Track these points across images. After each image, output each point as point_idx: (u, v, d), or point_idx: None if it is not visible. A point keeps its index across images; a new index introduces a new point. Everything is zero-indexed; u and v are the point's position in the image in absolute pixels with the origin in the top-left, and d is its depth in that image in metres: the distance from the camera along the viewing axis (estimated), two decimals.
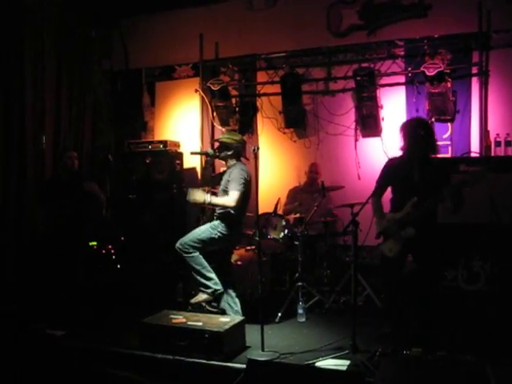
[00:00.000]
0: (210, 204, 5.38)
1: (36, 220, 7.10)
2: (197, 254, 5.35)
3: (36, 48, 7.29)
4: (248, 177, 5.48)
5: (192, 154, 6.06)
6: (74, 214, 6.56)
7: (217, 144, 5.79)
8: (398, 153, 4.92)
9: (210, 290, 5.36)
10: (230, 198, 5.30)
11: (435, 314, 4.70)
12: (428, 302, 4.70)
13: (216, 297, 5.48)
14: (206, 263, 5.38)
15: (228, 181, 5.42)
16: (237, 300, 5.59)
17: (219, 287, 5.40)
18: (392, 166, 4.93)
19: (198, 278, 5.36)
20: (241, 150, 5.68)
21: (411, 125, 4.84)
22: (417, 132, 4.69)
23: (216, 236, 5.39)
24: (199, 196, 5.35)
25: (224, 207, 5.39)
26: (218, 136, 6.41)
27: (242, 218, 5.59)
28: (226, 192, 5.41)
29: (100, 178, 7.64)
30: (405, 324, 4.81)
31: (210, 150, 5.88)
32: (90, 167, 8.16)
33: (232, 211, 5.36)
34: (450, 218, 4.87)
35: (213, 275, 5.39)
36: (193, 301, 5.32)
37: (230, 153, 5.56)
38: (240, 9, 7.97)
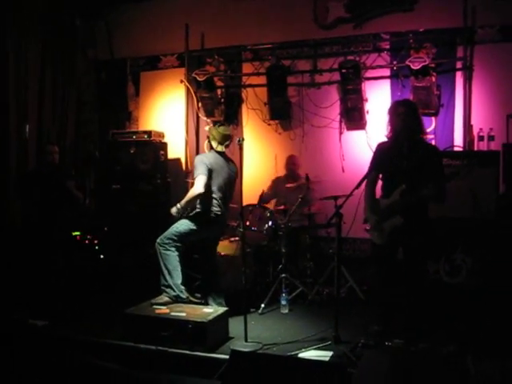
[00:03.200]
0: (182, 207, 5.37)
1: (17, 211, 7.03)
2: (174, 253, 5.31)
3: (19, 36, 7.21)
4: (210, 163, 5.43)
5: None
6: (53, 206, 6.53)
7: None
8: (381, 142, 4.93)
9: (172, 294, 5.27)
10: (195, 186, 5.31)
11: (419, 307, 4.72)
12: (414, 293, 4.71)
13: (202, 288, 5.45)
14: (179, 267, 5.33)
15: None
16: (219, 291, 5.60)
17: (183, 295, 5.32)
18: (381, 150, 4.89)
19: (167, 277, 5.28)
20: (217, 142, 5.62)
21: (394, 106, 4.85)
22: (399, 111, 4.69)
23: (194, 227, 5.39)
24: (171, 211, 5.41)
25: (195, 198, 5.36)
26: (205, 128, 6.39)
27: (218, 206, 5.53)
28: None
29: (83, 171, 7.61)
30: (393, 319, 4.81)
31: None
32: (73, 158, 8.11)
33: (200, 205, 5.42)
34: (434, 212, 4.90)
35: (180, 281, 5.31)
36: (153, 301, 5.24)
37: (209, 144, 5.72)
38: None
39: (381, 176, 4.94)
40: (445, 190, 4.55)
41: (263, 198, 6.82)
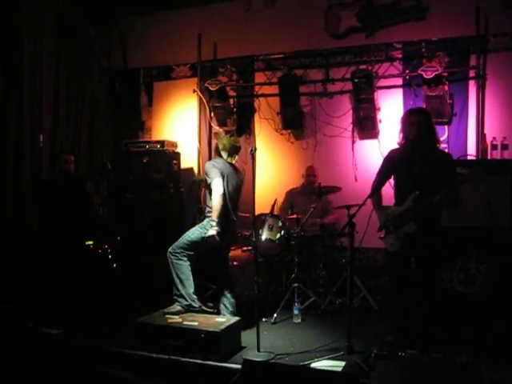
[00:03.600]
0: (218, 221, 5.23)
1: (32, 220, 7.08)
2: (186, 263, 5.31)
3: (35, 46, 7.28)
4: (221, 168, 5.42)
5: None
6: (69, 214, 6.57)
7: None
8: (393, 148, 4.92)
9: (185, 303, 5.26)
10: (214, 190, 5.26)
11: (432, 316, 4.69)
12: (427, 302, 4.68)
13: (214, 298, 5.44)
14: (191, 277, 5.32)
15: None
16: (233, 300, 5.59)
17: (196, 304, 5.32)
18: (393, 157, 4.88)
19: (179, 287, 5.28)
20: (226, 153, 5.62)
21: (407, 114, 4.85)
22: (412, 119, 4.69)
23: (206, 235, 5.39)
24: (211, 234, 5.24)
25: (220, 202, 5.26)
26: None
27: (230, 213, 5.52)
28: (209, 188, 5.40)
29: (97, 180, 7.66)
30: (407, 328, 4.78)
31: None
32: (87, 167, 8.16)
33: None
34: (447, 220, 4.88)
35: (192, 290, 5.31)
36: (166, 310, 5.23)
37: (218, 155, 5.66)
38: (239, 10, 7.98)
39: (393, 183, 4.93)
40: (459, 195, 4.52)
41: (281, 211, 6.89)
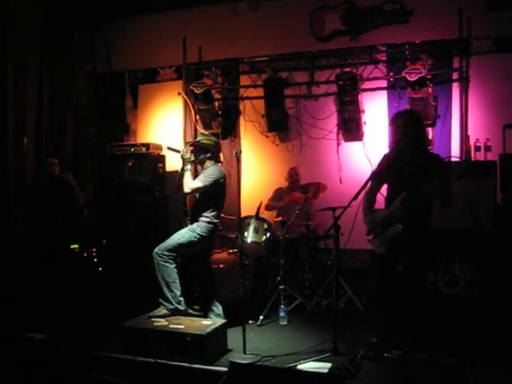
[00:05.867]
0: (183, 167, 5.42)
1: (16, 224, 7.04)
2: (173, 266, 5.28)
3: (18, 48, 7.24)
4: (221, 178, 5.47)
5: (168, 148, 5.88)
6: (55, 217, 6.54)
7: (191, 148, 5.64)
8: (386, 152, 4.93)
9: (171, 307, 5.23)
10: (191, 184, 5.33)
11: (419, 317, 4.71)
12: (412, 304, 4.70)
13: (200, 300, 5.44)
14: (177, 279, 5.29)
15: (202, 174, 5.46)
16: (218, 303, 5.59)
17: (182, 308, 5.29)
18: (387, 161, 4.86)
19: (165, 290, 5.25)
20: (218, 152, 5.68)
21: (394, 117, 4.86)
22: (398, 123, 4.71)
23: (195, 239, 5.37)
24: (186, 153, 5.44)
25: (181, 186, 5.38)
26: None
27: (217, 219, 5.57)
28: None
29: (81, 181, 7.63)
30: (392, 330, 4.80)
31: (185, 153, 5.55)
32: (71, 170, 8.12)
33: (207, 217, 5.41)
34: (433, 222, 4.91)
35: (179, 293, 5.29)
36: (152, 314, 5.19)
37: (208, 155, 5.56)
38: (224, 12, 8.01)
39: (386, 188, 4.94)
40: (449, 186, 4.49)
41: (269, 208, 6.96)
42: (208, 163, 5.56)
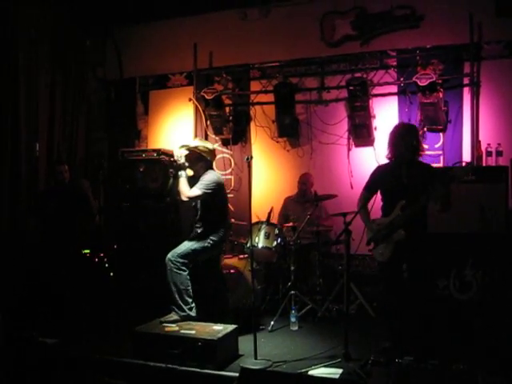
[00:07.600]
0: (176, 173, 5.37)
1: (27, 229, 7.08)
2: (186, 273, 5.27)
3: (30, 55, 7.30)
4: (220, 183, 5.48)
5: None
6: (65, 224, 6.58)
7: (186, 152, 5.50)
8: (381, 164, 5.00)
9: (182, 314, 5.22)
10: (189, 192, 5.27)
11: (427, 322, 4.71)
12: (420, 309, 4.70)
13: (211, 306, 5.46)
14: (190, 286, 5.28)
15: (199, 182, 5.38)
16: (229, 308, 5.60)
17: (193, 314, 5.28)
18: (380, 172, 5.00)
19: (177, 297, 5.24)
20: (213, 159, 5.68)
21: (397, 131, 4.92)
22: (403, 138, 4.78)
23: (209, 244, 5.39)
24: (180, 158, 5.39)
25: (179, 193, 5.34)
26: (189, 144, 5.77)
27: (226, 223, 5.62)
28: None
29: (93, 187, 7.66)
30: (403, 335, 4.79)
31: (180, 158, 5.46)
32: (83, 176, 8.16)
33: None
34: (442, 227, 4.90)
35: (191, 300, 5.28)
36: (163, 319, 5.20)
37: (203, 164, 5.50)
38: (234, 19, 8.02)
39: (380, 197, 4.98)
40: (449, 196, 4.58)
41: (278, 222, 6.95)
42: (204, 170, 5.48)
